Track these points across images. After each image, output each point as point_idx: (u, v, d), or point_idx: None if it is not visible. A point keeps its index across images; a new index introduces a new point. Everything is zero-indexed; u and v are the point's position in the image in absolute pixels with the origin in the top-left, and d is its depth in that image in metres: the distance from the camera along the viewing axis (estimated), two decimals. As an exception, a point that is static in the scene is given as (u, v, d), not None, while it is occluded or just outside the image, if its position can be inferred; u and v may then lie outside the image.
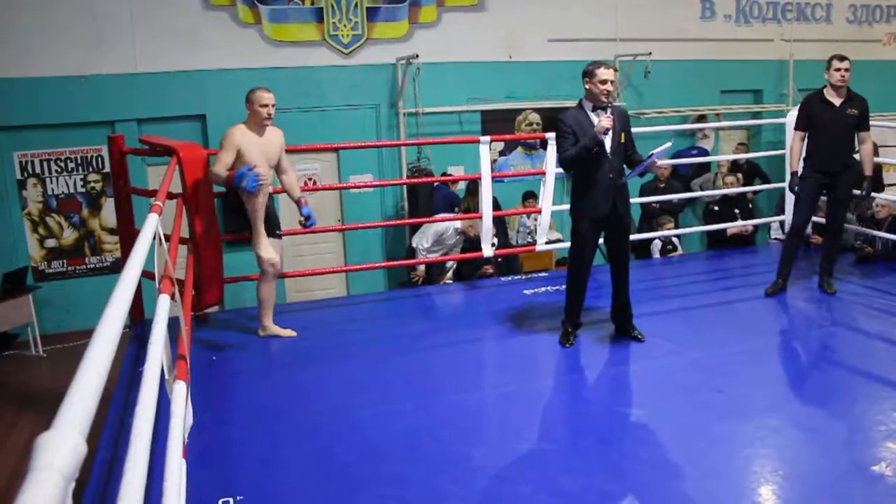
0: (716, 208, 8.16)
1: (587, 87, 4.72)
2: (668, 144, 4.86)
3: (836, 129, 5.79)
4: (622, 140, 4.75)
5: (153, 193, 5.24)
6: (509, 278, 6.73)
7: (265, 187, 4.83)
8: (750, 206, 8.10)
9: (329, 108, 8.52)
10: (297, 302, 7.23)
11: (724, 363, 4.72)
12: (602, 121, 4.57)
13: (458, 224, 7.03)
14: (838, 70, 5.72)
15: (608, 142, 4.68)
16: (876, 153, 6.46)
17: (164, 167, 5.57)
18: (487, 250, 6.35)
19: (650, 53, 9.50)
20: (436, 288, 6.91)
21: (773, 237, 8.02)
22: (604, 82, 4.62)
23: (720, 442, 3.73)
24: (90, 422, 1.05)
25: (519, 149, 9.42)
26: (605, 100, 4.67)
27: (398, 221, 8.29)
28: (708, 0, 10.32)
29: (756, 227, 8.03)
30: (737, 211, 7.95)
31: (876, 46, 11.62)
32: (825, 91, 5.83)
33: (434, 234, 7.03)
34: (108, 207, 7.95)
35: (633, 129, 5.09)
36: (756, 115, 10.42)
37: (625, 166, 4.83)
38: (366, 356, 4.90)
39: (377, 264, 7.97)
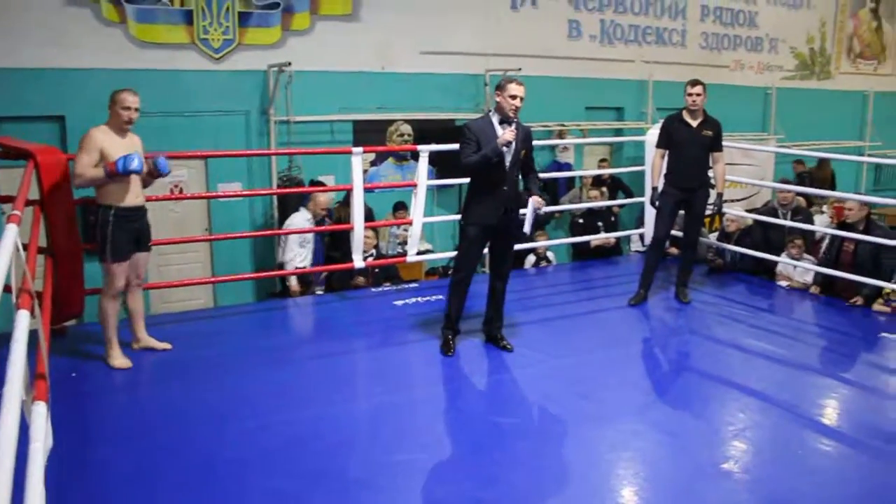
0: (581, 221, 8.46)
1: (497, 99, 4.86)
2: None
3: (692, 149, 6.16)
4: (522, 156, 4.92)
5: (7, 199, 4.97)
6: (380, 289, 6.74)
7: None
8: (613, 218, 8.45)
9: (198, 114, 8.26)
10: (162, 314, 6.97)
11: (589, 370, 4.93)
12: (505, 134, 4.72)
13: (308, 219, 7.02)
14: (690, 95, 6.13)
15: (509, 155, 4.83)
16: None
17: (16, 171, 5.26)
18: (358, 261, 6.34)
19: (520, 69, 9.74)
20: (306, 299, 6.83)
21: (633, 249, 8.39)
22: (513, 97, 4.77)
23: (585, 446, 3.89)
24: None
25: (390, 159, 9.45)
26: (512, 115, 4.80)
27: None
28: (574, 20, 10.70)
29: (618, 239, 8.38)
30: (600, 224, 8.27)
31: (724, 71, 12.40)
32: (683, 113, 6.20)
33: (296, 241, 6.98)
34: (-48, 212, 7.42)
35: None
36: (618, 132, 10.89)
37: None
38: (236, 369, 4.80)
39: (246, 275, 7.81)
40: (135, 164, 4.40)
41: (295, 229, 6.97)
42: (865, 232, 6.37)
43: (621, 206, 8.97)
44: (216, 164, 8.36)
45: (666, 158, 6.31)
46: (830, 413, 4.50)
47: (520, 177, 5.06)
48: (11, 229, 2.75)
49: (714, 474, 3.64)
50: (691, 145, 6.16)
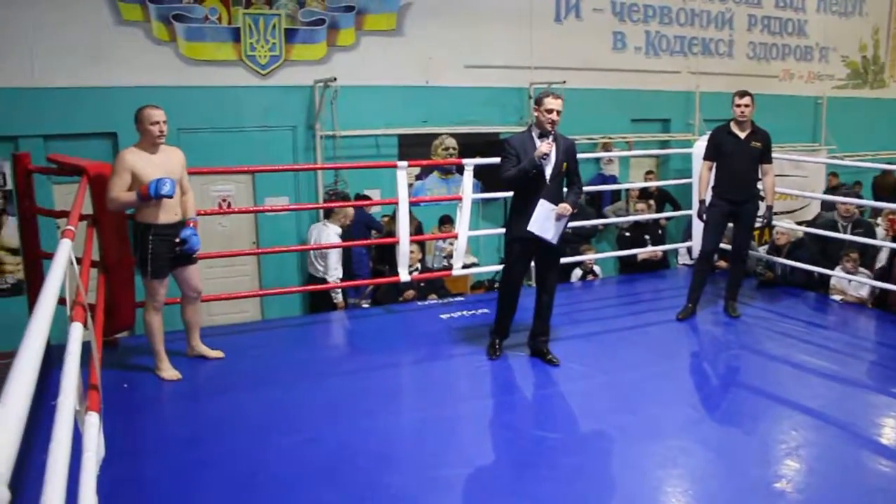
0: (627, 234, 8.39)
1: (535, 114, 4.95)
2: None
3: (740, 161, 6.07)
4: (563, 169, 4.94)
5: (60, 214, 5.09)
6: (426, 302, 6.75)
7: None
8: (660, 231, 8.36)
9: (245, 129, 8.40)
10: (210, 326, 7.06)
11: (636, 385, 4.86)
12: (541, 147, 4.77)
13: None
14: (738, 106, 6.04)
15: (549, 168, 4.87)
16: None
17: (70, 186, 5.39)
18: (404, 275, 6.36)
19: (564, 82, 9.73)
20: (352, 312, 6.87)
21: (681, 262, 8.28)
22: (550, 111, 4.83)
23: (633, 464, 3.83)
24: (11, 468, 1.01)
25: (435, 173, 9.48)
26: (549, 128, 4.86)
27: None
28: (619, 32, 10.65)
29: (665, 252, 8.29)
30: (647, 237, 8.19)
31: (773, 81, 12.21)
32: (731, 124, 6.11)
33: (336, 257, 7.05)
34: (10, 226, 7.62)
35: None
36: (664, 144, 10.78)
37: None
38: (282, 382, 4.83)
39: (293, 288, 7.88)
40: (166, 189, 4.45)
41: (337, 243, 7.04)
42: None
43: (668, 218, 8.87)
44: (263, 179, 8.48)
45: (714, 171, 6.22)
46: (888, 432, 4.36)
47: (564, 189, 5.06)
48: (66, 244, 2.82)
49: (766, 494, 3.55)
50: (740, 157, 6.08)
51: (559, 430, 4.26)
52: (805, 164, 10.56)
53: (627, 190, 9.62)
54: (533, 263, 5.27)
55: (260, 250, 8.12)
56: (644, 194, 9.53)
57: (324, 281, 7.27)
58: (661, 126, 11.05)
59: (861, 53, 13.48)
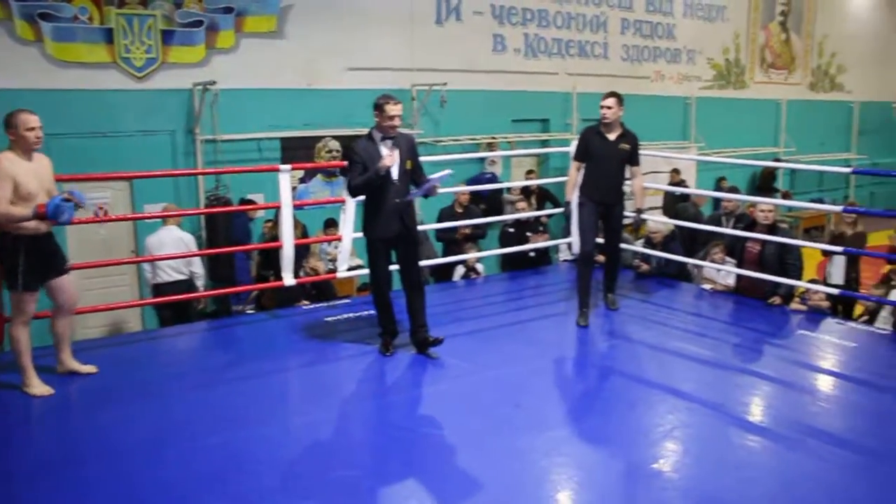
0: (511, 231, 8.59)
1: (377, 119, 5.05)
2: (448, 171, 5.20)
3: (609, 163, 6.13)
4: (408, 167, 5.11)
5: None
6: (312, 306, 6.73)
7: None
8: (542, 228, 8.58)
9: (121, 134, 8.14)
10: (88, 339, 6.82)
11: (520, 379, 5.00)
12: (384, 160, 4.91)
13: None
14: (602, 108, 6.08)
15: (395, 169, 5.02)
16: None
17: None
18: (289, 279, 6.33)
19: (445, 84, 9.89)
20: (236, 319, 6.78)
21: (562, 258, 8.54)
22: (391, 117, 5.01)
23: (519, 455, 3.95)
24: None
25: (319, 176, 9.45)
26: (392, 132, 5.02)
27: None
28: (499, 34, 10.89)
29: (547, 248, 8.52)
30: (529, 234, 8.40)
31: (645, 82, 12.76)
32: (601, 125, 6.14)
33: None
34: None
35: (435, 157, 5.37)
36: (544, 144, 11.09)
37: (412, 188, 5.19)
38: (165, 393, 4.73)
39: (174, 297, 7.70)
40: (65, 217, 4.32)
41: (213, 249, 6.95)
42: (771, 234, 6.66)
43: (549, 216, 9.14)
44: (142, 186, 8.25)
45: (583, 171, 6.25)
46: (754, 410, 4.68)
47: (411, 188, 5.21)
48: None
49: (645, 475, 3.75)
50: (608, 158, 6.11)
51: (447, 427, 4.34)
52: (677, 161, 11.12)
53: (509, 188, 9.85)
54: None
55: (138, 259, 7.85)
56: (525, 192, 9.79)
57: (180, 284, 7.17)
58: (541, 126, 11.36)
59: (724, 56, 14.26)
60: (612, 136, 6.11)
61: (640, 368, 5.38)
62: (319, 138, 9.32)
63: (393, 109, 5.00)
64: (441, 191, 5.53)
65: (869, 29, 17.40)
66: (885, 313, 6.85)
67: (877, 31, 17.57)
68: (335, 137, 9.35)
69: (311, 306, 6.72)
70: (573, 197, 6.37)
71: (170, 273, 7.33)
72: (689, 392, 4.84)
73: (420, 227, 6.26)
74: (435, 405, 4.72)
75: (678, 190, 9.69)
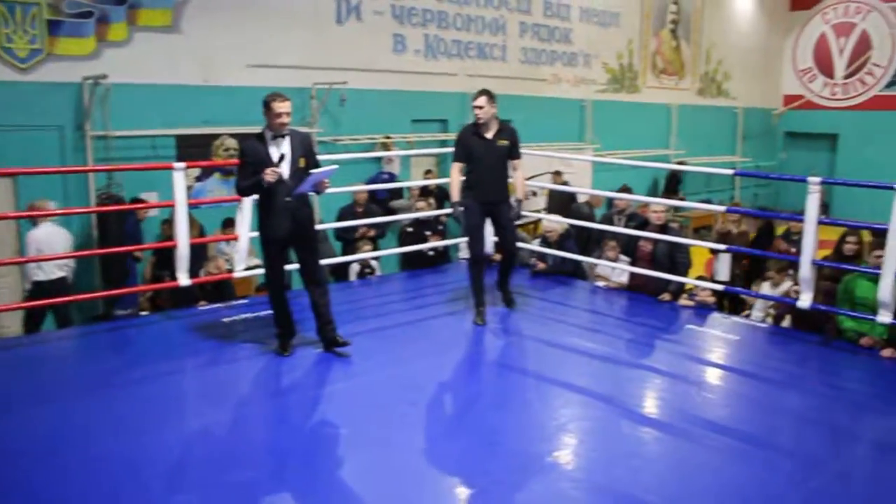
0: (410, 230, 8.66)
1: (266, 117, 5.03)
2: (333, 167, 5.24)
3: (490, 161, 6.06)
4: (301, 165, 5.09)
5: None
6: (208, 307, 6.62)
7: None
8: (441, 227, 8.68)
9: (3, 129, 7.78)
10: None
11: (419, 377, 5.07)
12: (266, 176, 4.90)
13: None
14: (474, 108, 6.01)
15: (286, 167, 5.01)
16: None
17: None
18: (184, 279, 6.21)
19: (346, 82, 9.87)
20: (129, 321, 6.60)
21: (461, 256, 8.66)
22: (279, 115, 4.97)
23: (418, 453, 4.02)
24: None
25: (216, 175, 9.27)
26: (282, 130, 5.01)
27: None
28: (399, 34, 10.92)
29: (447, 247, 8.63)
30: (428, 233, 8.49)
31: (543, 84, 13.05)
32: (477, 125, 6.05)
33: None
34: None
35: (335, 156, 5.38)
36: (443, 143, 11.19)
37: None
38: (58, 398, 4.58)
39: (62, 299, 7.43)
40: None
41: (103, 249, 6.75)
42: (662, 233, 6.95)
43: (448, 215, 9.26)
44: (27, 183, 7.89)
45: (466, 172, 6.18)
46: (644, 402, 4.88)
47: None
48: None
49: (540, 468, 3.87)
50: (489, 157, 6.04)
51: (346, 426, 4.36)
52: (573, 162, 11.43)
53: (409, 188, 9.91)
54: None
55: (23, 259, 7.50)
56: (424, 192, 9.88)
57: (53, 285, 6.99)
58: (440, 126, 11.46)
59: (619, 61, 14.72)
60: (489, 135, 6.05)
61: (535, 364, 5.52)
62: (217, 136, 9.13)
63: (280, 107, 4.97)
64: (331, 190, 5.53)
65: (752, 40, 18.29)
66: (758, 306, 7.22)
67: (759, 43, 18.48)
68: (233, 135, 9.19)
69: (209, 307, 6.62)
70: (459, 199, 6.24)
71: (53, 270, 7.12)
72: (583, 386, 5.01)
73: (319, 227, 6.24)
74: (333, 404, 4.73)
75: (561, 188, 9.91)
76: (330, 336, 5.37)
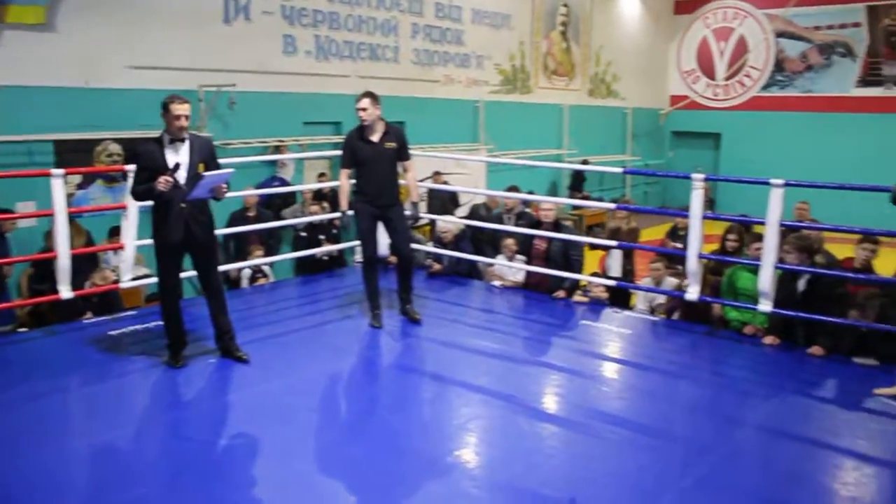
0: (303, 234, 8.53)
1: (164, 119, 4.89)
2: (230, 171, 5.13)
3: (379, 165, 5.98)
4: (200, 170, 4.93)
5: None
6: (93, 320, 6.33)
7: None
8: (335, 231, 8.58)
9: None
10: None
11: (316, 383, 5.03)
12: (159, 184, 4.75)
13: None
14: (357, 110, 5.86)
15: (183, 172, 4.86)
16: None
17: None
18: (66, 292, 5.92)
19: (234, 84, 9.63)
20: (6, 338, 6.22)
21: (357, 260, 8.59)
22: (177, 117, 4.84)
23: (315, 459, 3.99)
24: None
25: (99, 181, 8.87)
26: (180, 133, 4.86)
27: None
28: (290, 35, 10.73)
29: (342, 251, 8.54)
30: (322, 237, 8.39)
31: (436, 86, 13.09)
32: (363, 128, 5.95)
33: None
34: None
35: (225, 160, 5.28)
36: (336, 146, 11.03)
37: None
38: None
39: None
40: None
41: None
42: (555, 231, 7.08)
43: (340, 219, 9.17)
44: None
45: (355, 177, 6.12)
46: (542, 398, 4.97)
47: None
48: None
49: (440, 468, 3.87)
50: (377, 160, 5.96)
51: (241, 437, 4.27)
52: (468, 163, 11.51)
53: (302, 192, 9.77)
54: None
55: None
56: (318, 196, 9.75)
57: None
58: (334, 128, 11.33)
59: (511, 62, 14.91)
60: (375, 137, 5.97)
61: (433, 365, 5.53)
62: (99, 141, 8.75)
63: (178, 109, 4.83)
64: (229, 195, 5.37)
65: (639, 42, 18.88)
66: (641, 299, 7.39)
67: (646, 45, 19.09)
68: (117, 140, 8.82)
69: (94, 319, 6.33)
70: (349, 204, 6.21)
71: None
72: (482, 385, 5.05)
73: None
74: (229, 415, 4.63)
75: (442, 188, 9.96)
76: (226, 345, 5.29)
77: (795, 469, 3.99)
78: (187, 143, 4.93)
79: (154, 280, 7.07)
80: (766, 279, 5.73)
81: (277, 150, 10.18)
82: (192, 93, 9.44)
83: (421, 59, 12.85)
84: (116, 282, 6.53)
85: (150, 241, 6.53)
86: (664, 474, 3.86)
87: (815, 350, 5.66)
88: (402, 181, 6.31)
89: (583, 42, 16.89)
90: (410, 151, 6.24)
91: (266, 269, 7.89)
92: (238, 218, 8.43)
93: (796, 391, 5.10)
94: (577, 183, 15.20)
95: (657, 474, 3.86)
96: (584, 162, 14.40)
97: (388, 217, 6.12)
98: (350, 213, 6.21)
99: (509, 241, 7.52)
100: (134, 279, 6.46)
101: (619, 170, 8.60)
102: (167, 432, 4.39)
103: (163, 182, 4.75)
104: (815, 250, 6.08)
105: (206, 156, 5.03)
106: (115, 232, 7.90)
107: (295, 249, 8.45)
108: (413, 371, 5.48)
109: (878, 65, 17.08)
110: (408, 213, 6.34)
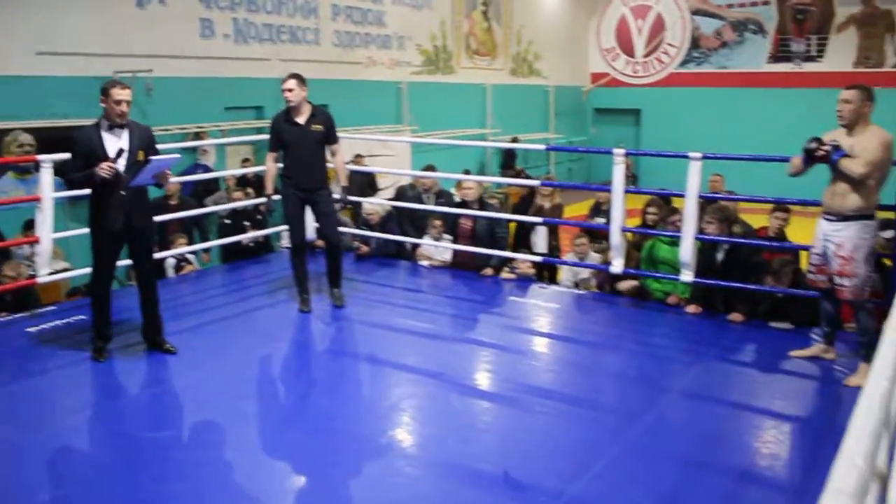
0: (228, 222, 8.40)
1: (103, 105, 4.74)
2: (176, 156, 5.12)
3: (305, 148, 5.92)
4: (140, 158, 4.82)
5: None
6: (10, 317, 6.10)
7: None
8: (260, 217, 8.47)
9: None
10: None
11: (246, 371, 4.98)
12: (101, 171, 4.62)
13: None
14: (283, 91, 5.82)
15: (122, 160, 4.74)
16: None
17: None
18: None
19: (151, 70, 9.40)
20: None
21: (284, 245, 8.50)
22: (118, 102, 4.70)
23: (245, 447, 3.93)
24: None
25: (10, 173, 8.55)
26: (119, 120, 4.74)
27: None
28: (207, 19, 10.49)
29: (268, 236, 8.44)
30: (248, 223, 8.27)
31: (358, 68, 13.00)
32: (290, 111, 5.91)
33: None
34: None
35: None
36: (259, 131, 10.89)
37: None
38: None
39: None
40: None
41: None
42: (480, 210, 7.15)
43: (265, 204, 9.05)
44: None
45: (282, 160, 6.08)
46: (473, 374, 5.02)
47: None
48: None
49: (374, 448, 3.89)
50: (303, 143, 5.90)
51: (172, 428, 4.22)
52: (393, 144, 11.48)
53: (225, 178, 9.61)
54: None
55: None
56: (242, 181, 9.61)
57: None
58: (256, 113, 11.17)
59: (433, 43, 14.90)
60: (301, 120, 5.91)
61: (364, 347, 5.57)
62: (8, 131, 8.42)
63: (120, 94, 4.69)
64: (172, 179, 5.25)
65: (560, 21, 19.06)
66: (566, 273, 7.51)
67: (566, 23, 19.30)
68: (27, 130, 8.50)
69: (9, 317, 6.11)
70: (275, 187, 6.19)
71: None
72: (413, 365, 5.09)
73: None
74: (158, 407, 4.56)
75: (360, 169, 9.95)
76: (153, 337, 5.20)
77: (718, 430, 4.14)
78: (127, 130, 4.80)
79: (75, 273, 6.94)
80: (686, 250, 5.90)
81: (198, 136, 9.96)
82: (105, 79, 9.12)
83: (342, 41, 12.74)
84: (32, 277, 6.31)
85: (67, 234, 6.44)
86: (595, 443, 3.96)
87: (735, 317, 5.86)
88: (330, 164, 6.26)
89: (504, 21, 16.98)
90: (339, 135, 6.21)
91: (191, 256, 7.74)
92: (160, 206, 8.23)
93: (717, 357, 5.28)
94: (510, 160, 15.30)
95: (588, 443, 3.96)
96: (514, 140, 14.50)
97: (315, 201, 6.06)
98: (276, 197, 6.14)
99: (437, 222, 7.55)
100: (52, 273, 6.24)
101: (541, 146, 8.71)
102: (92, 430, 4.29)
103: (105, 168, 4.62)
104: (733, 220, 6.28)
105: (146, 144, 4.92)
106: (29, 225, 7.65)
107: (220, 237, 8.31)
108: (344, 354, 5.48)
109: (787, 41, 17.65)
110: (336, 196, 6.31)
